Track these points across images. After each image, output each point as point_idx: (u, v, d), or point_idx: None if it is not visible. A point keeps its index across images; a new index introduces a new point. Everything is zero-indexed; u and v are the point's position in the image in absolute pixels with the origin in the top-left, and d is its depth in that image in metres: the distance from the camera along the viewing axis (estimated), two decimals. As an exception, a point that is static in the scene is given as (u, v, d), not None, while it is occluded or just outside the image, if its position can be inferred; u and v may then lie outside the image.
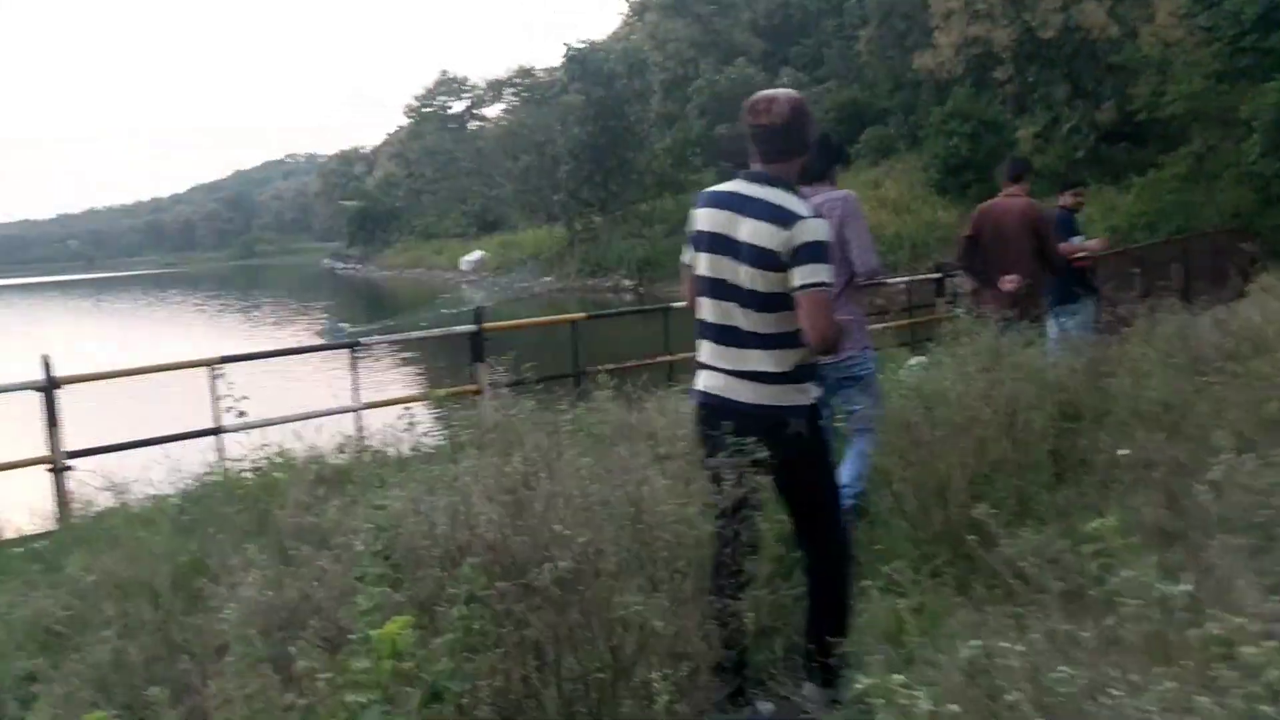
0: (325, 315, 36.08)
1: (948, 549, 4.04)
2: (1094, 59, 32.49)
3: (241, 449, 6.34)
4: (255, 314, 46.48)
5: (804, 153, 3.54)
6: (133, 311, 56.62)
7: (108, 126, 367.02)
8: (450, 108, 79.38)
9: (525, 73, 65.25)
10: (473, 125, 75.44)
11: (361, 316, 42.16)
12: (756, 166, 3.51)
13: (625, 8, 65.94)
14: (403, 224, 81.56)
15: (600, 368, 7.78)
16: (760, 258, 3.40)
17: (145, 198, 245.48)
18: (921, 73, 36.51)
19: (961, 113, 31.50)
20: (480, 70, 69.79)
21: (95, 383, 7.19)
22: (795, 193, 3.47)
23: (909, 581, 3.40)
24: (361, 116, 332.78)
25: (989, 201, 7.80)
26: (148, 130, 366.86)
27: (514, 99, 66.15)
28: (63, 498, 6.50)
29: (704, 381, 3.64)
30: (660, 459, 3.84)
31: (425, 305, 39.84)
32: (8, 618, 4.11)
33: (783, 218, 3.36)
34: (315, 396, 9.51)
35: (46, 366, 6.61)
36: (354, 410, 7.92)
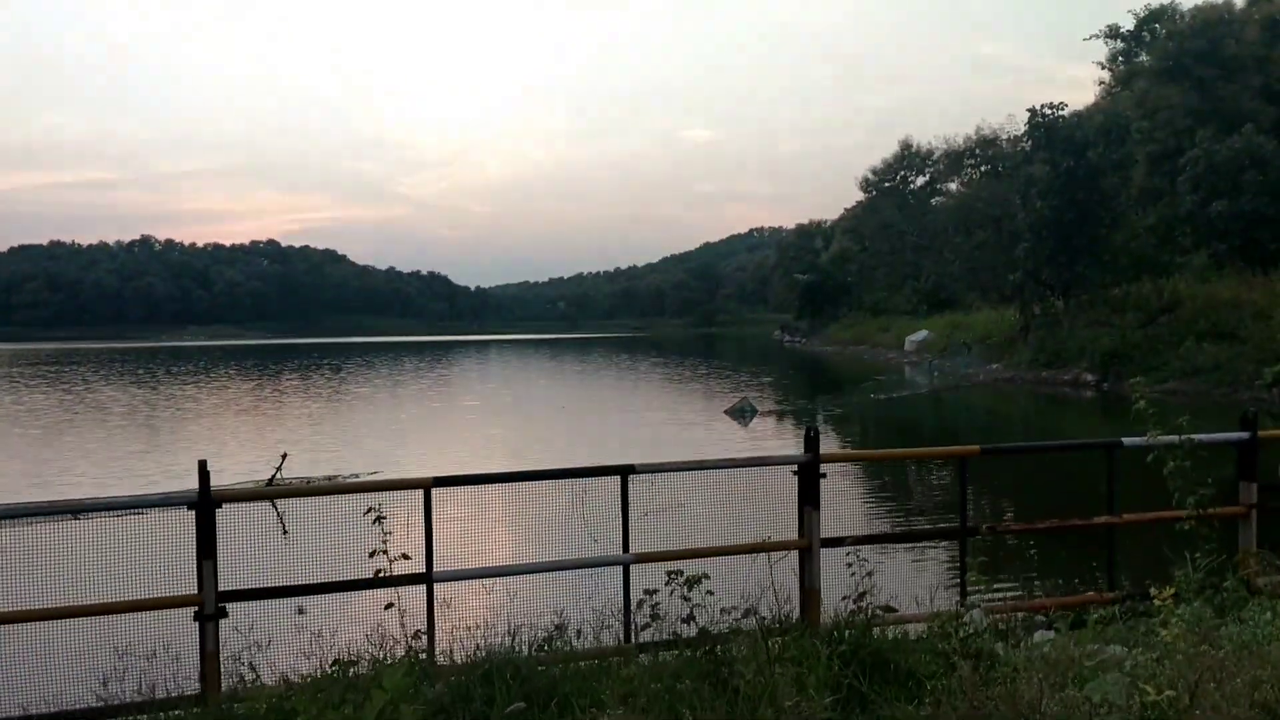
0: (750, 390, 35.19)
1: None
2: None
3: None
4: (692, 380, 47.16)
5: None
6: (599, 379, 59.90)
7: (594, 199, 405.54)
8: (912, 181, 77.31)
9: (988, 142, 61.48)
10: (935, 201, 72.91)
11: (796, 390, 41.35)
12: None
13: (1106, 77, 60.36)
14: (852, 299, 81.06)
15: None
16: None
17: (624, 265, 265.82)
18: None
19: None
20: (945, 143, 67.01)
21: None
22: None
23: None
24: (829, 189, 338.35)
25: None
26: (629, 203, 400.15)
27: (974, 171, 62.67)
28: (208, 658, 5.19)
29: None
30: None
31: (860, 385, 37.88)
32: None
33: None
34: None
35: (204, 477, 5.38)
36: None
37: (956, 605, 6.62)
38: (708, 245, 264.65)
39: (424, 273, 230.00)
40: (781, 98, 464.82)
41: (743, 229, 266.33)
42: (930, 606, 6.45)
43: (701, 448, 18.85)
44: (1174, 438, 5.58)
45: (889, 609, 5.51)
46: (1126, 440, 6.70)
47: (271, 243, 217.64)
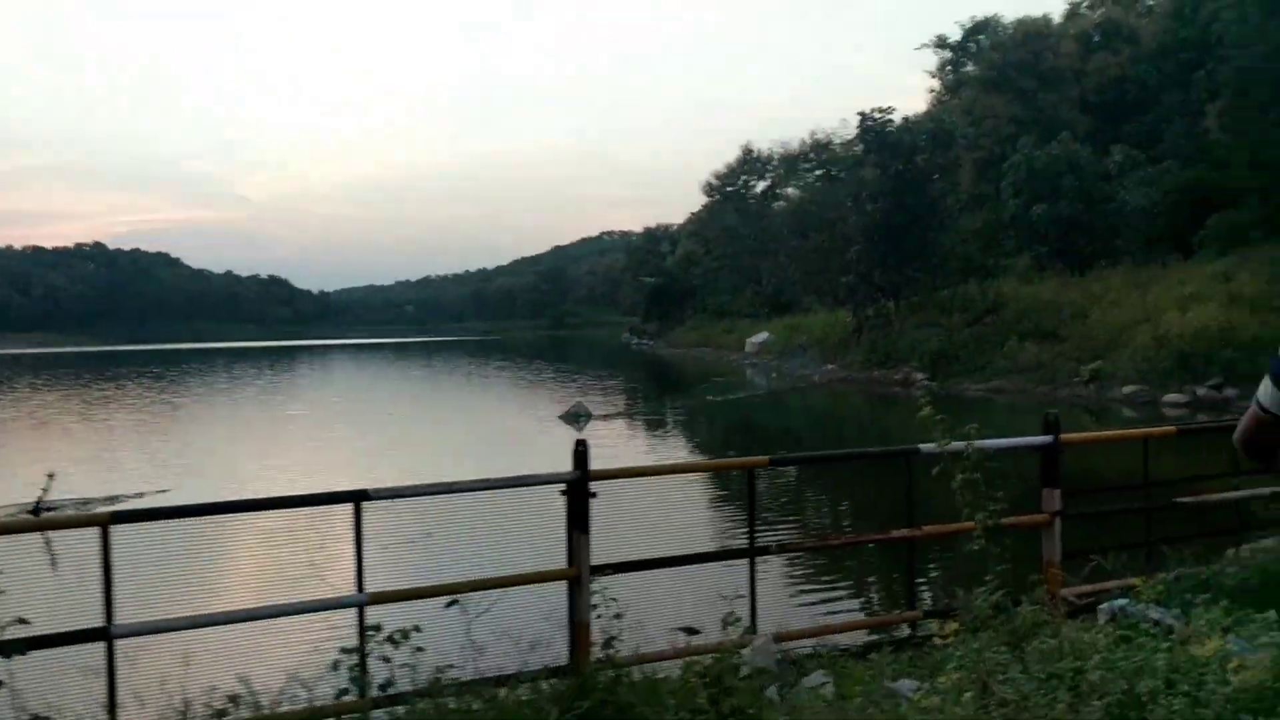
0: (585, 394, 34.55)
1: None
2: None
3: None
4: (534, 384, 46.30)
5: None
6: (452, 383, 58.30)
7: (444, 200, 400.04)
8: (754, 186, 78.20)
9: (822, 146, 62.57)
10: (778, 205, 74.00)
11: (638, 393, 40.99)
12: None
13: (937, 85, 62.29)
14: (698, 302, 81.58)
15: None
16: None
17: (474, 268, 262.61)
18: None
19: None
20: (782, 147, 68.22)
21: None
22: None
23: None
24: (678, 193, 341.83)
25: None
26: (479, 205, 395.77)
27: (810, 175, 63.73)
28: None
29: None
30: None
31: (697, 388, 37.71)
32: None
33: None
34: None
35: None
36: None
37: (747, 633, 6.03)
38: (558, 248, 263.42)
39: (264, 276, 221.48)
40: (632, 102, 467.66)
41: (593, 232, 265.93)
42: (725, 635, 5.85)
43: (525, 458, 18.02)
44: (962, 444, 5.08)
45: (668, 652, 4.85)
46: (923, 447, 6.23)
47: (98, 245, 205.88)
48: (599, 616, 5.49)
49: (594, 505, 5.69)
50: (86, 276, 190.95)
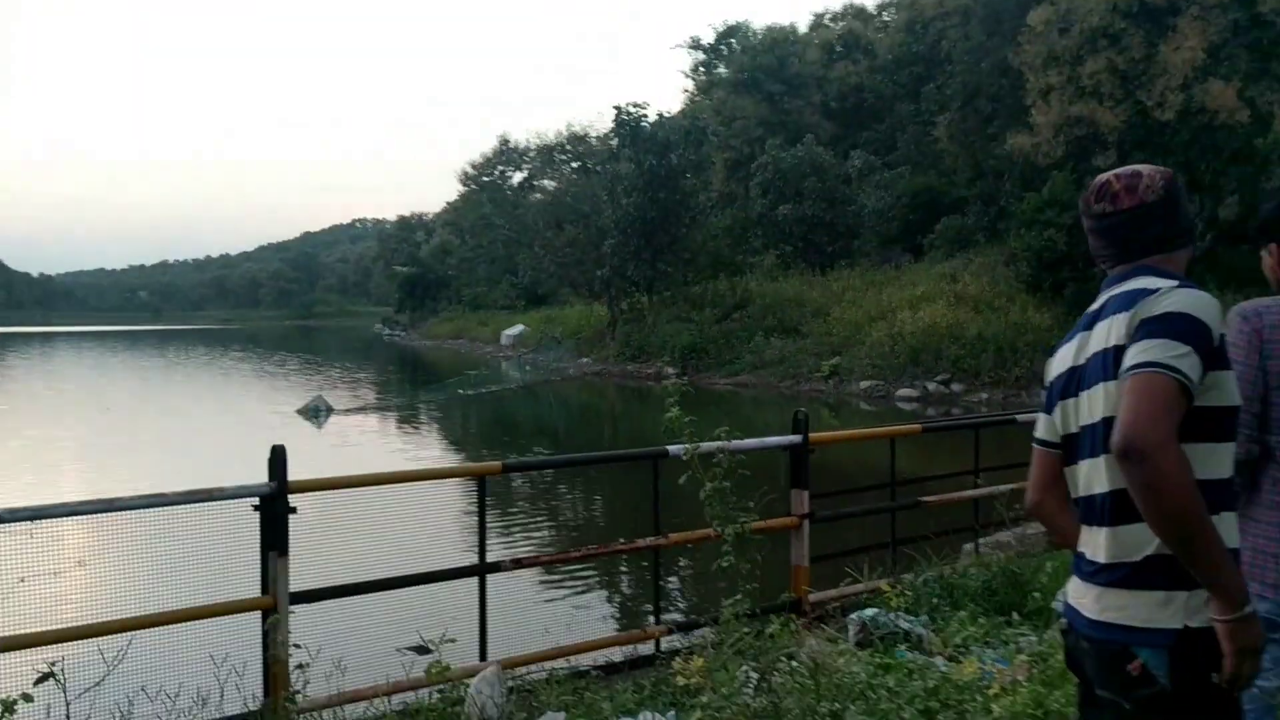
0: (322, 389, 32.79)
1: None
2: (1215, 147, 28.50)
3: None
4: (275, 376, 43.73)
5: (1188, 243, 2.52)
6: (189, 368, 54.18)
7: (183, 179, 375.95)
8: (510, 176, 77.32)
9: (578, 139, 62.58)
10: (535, 197, 73.59)
11: (387, 385, 39.45)
12: (1116, 270, 2.50)
13: (691, 85, 63.56)
14: (452, 293, 80.00)
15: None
16: (1103, 367, 2.30)
17: (216, 254, 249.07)
18: (1015, 154, 32.74)
19: (1059, 201, 27.53)
20: (538, 138, 67.83)
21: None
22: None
23: None
24: (434, 182, 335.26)
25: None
26: (222, 186, 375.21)
27: (566, 167, 63.67)
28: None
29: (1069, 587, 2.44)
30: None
31: (447, 381, 36.61)
32: None
33: (1134, 297, 2.32)
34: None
35: None
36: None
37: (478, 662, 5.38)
38: (308, 234, 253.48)
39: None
40: (387, 87, 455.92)
41: (345, 219, 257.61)
42: (456, 660, 5.17)
43: (251, 464, 16.57)
44: (714, 444, 4.61)
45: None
46: (672, 448, 5.77)
47: None
48: (297, 650, 4.71)
49: (296, 522, 4.87)
50: None
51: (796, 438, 6.65)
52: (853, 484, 9.28)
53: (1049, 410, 2.51)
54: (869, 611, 5.77)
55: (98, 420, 27.35)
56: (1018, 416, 8.43)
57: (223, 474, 5.36)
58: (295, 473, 4.86)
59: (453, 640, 4.42)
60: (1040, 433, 2.53)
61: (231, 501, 4.86)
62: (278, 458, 4.78)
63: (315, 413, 25.63)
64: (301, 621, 4.82)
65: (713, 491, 4.32)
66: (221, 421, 26.36)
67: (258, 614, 4.83)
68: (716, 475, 4.40)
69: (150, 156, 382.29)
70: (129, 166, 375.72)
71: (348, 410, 27.40)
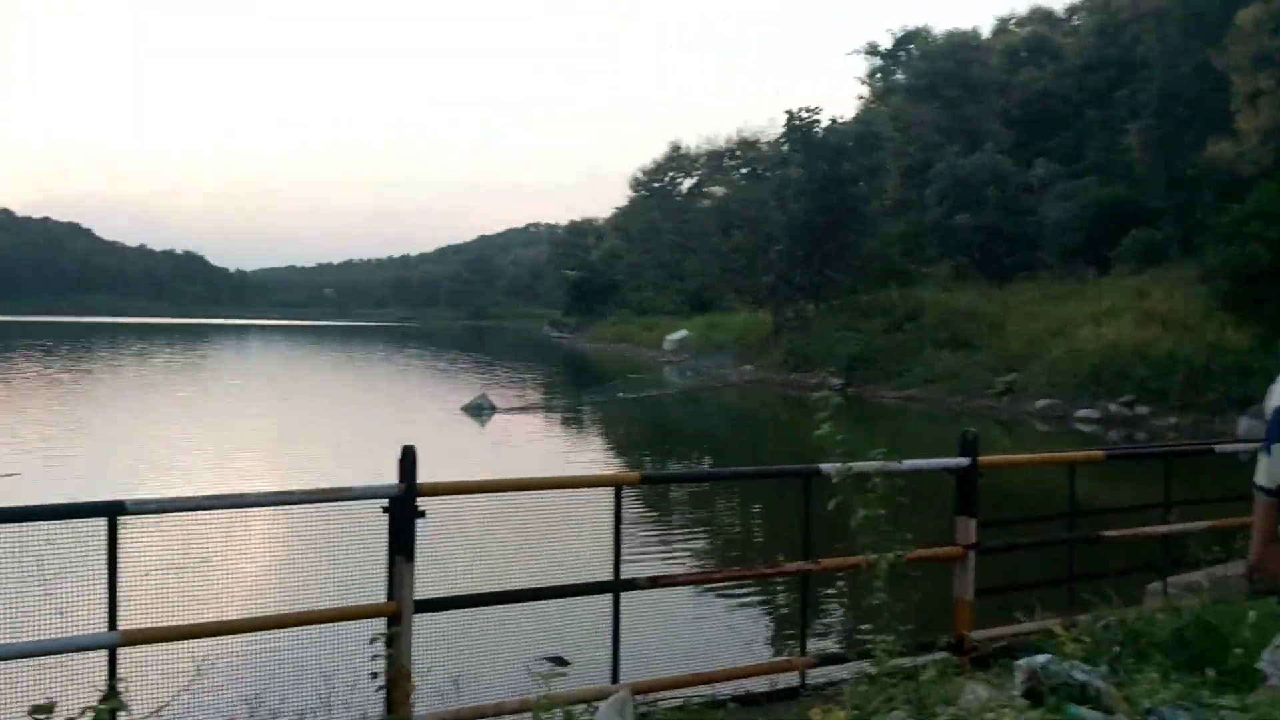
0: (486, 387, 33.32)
1: None
2: None
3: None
4: (446, 374, 44.95)
5: None
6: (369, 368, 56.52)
7: (370, 184, 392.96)
8: (680, 183, 77.44)
9: (748, 144, 62.07)
10: (704, 203, 73.62)
11: (551, 387, 39.94)
12: None
13: (866, 92, 62.20)
14: (619, 297, 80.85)
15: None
16: None
17: (397, 254, 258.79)
18: (1215, 163, 30.57)
19: (1265, 213, 25.46)
20: (708, 143, 67.86)
21: None
22: None
23: None
24: (606, 188, 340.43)
25: None
26: (406, 189, 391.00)
27: (735, 172, 63.28)
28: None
29: None
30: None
31: (609, 384, 36.77)
32: None
33: None
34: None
35: None
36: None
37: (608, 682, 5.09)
38: (484, 238, 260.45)
39: (179, 252, 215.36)
40: (562, 95, 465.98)
41: (520, 223, 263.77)
42: (583, 681, 4.93)
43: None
44: (871, 465, 4.18)
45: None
46: (824, 467, 5.35)
47: (6, 213, 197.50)
48: (423, 662, 4.51)
49: (424, 526, 4.69)
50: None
51: (964, 461, 6.11)
52: (1024, 512, 8.61)
53: (1268, 448, 2.03)
54: (1040, 658, 5.18)
55: (275, 410, 28.55)
56: (1216, 446, 7.62)
57: (382, 468, 5.22)
58: (451, 470, 4.69)
59: (565, 668, 4.13)
60: (1261, 479, 2.07)
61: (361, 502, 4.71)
62: (408, 459, 4.60)
63: (479, 410, 26.08)
64: (421, 629, 4.63)
65: (865, 520, 3.89)
66: (389, 416, 27.07)
67: (361, 621, 4.65)
68: (871, 501, 3.97)
69: (342, 163, 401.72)
70: (322, 170, 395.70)
71: (510, 409, 27.77)
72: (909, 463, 5.48)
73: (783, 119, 40.13)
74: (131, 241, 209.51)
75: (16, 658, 3.92)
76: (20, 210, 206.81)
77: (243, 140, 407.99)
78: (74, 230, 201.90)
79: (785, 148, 41.15)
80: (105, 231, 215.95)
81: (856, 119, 51.96)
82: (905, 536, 3.96)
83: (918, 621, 4.53)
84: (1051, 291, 35.52)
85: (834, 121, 40.35)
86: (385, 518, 4.68)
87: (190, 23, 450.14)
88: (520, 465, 16.90)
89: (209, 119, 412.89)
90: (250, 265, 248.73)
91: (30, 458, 17.85)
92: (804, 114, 39.05)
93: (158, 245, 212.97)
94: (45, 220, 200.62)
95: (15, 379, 36.86)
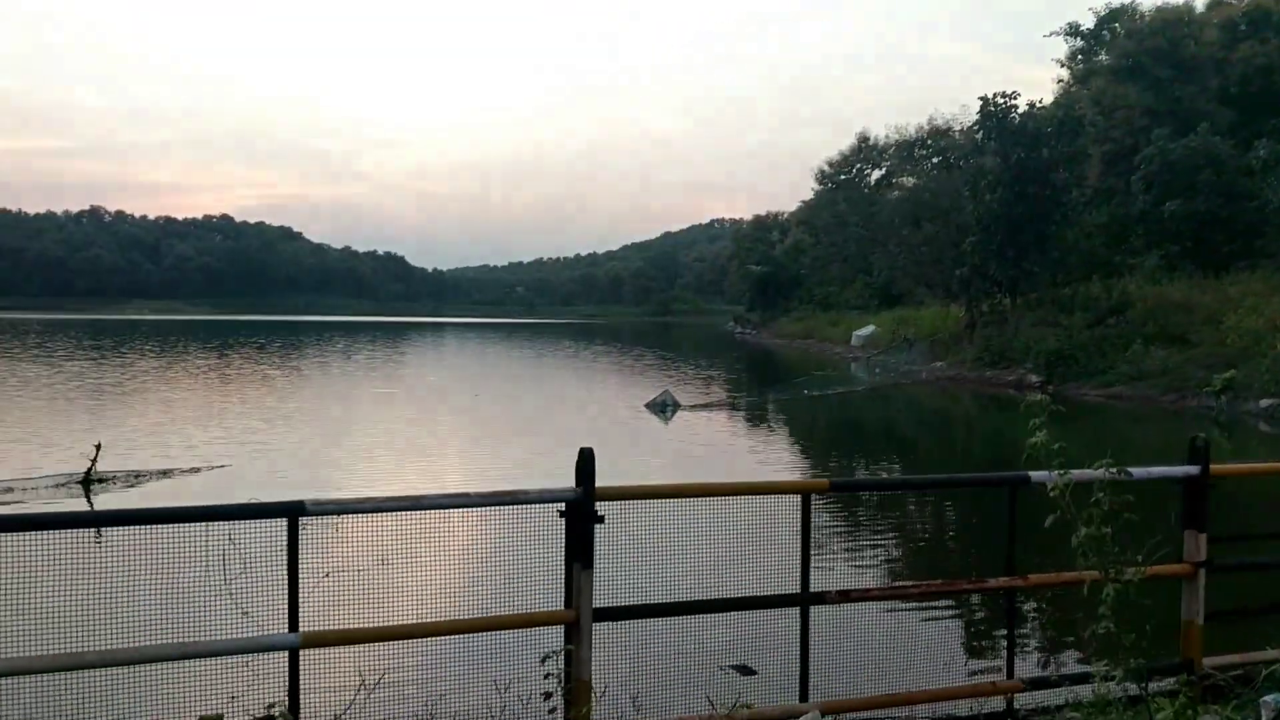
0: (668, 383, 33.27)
1: None
2: None
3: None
4: (631, 370, 45.33)
5: None
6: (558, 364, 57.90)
7: (561, 183, 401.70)
8: (868, 174, 75.67)
9: (940, 133, 59.84)
10: (893, 195, 71.72)
11: (735, 383, 39.65)
12: None
13: (1065, 75, 59.09)
14: (804, 292, 79.82)
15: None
16: None
17: (584, 252, 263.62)
18: None
19: None
20: (897, 133, 65.58)
21: None
22: None
23: None
24: (789, 182, 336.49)
25: None
26: (593, 188, 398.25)
27: (926, 163, 61.21)
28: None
29: None
30: None
31: (795, 380, 36.19)
32: None
33: None
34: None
35: None
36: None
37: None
38: (668, 234, 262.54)
39: (380, 253, 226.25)
40: (745, 91, 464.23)
41: (703, 219, 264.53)
42: (768, 697, 4.68)
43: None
44: (1098, 473, 3.75)
45: None
46: (1035, 475, 4.90)
47: (225, 217, 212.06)
48: (601, 671, 4.34)
49: (602, 531, 4.51)
50: (213, 247, 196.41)
51: (1194, 469, 5.51)
52: (1256, 526, 7.80)
53: None
54: (1289, 697, 4.60)
55: (466, 407, 29.34)
56: None
57: (568, 467, 5.09)
58: (630, 468, 4.51)
59: (750, 676, 3.86)
60: None
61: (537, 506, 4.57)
62: (585, 462, 4.43)
63: (663, 408, 26.05)
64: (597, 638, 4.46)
65: (1088, 538, 3.47)
66: (576, 413, 27.37)
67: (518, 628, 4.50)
68: (1094, 517, 3.54)
69: (529, 165, 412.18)
70: (514, 172, 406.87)
71: (694, 406, 27.63)
72: (1132, 471, 4.95)
73: (975, 106, 38.53)
74: (337, 244, 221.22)
75: (203, 656, 3.95)
76: (238, 214, 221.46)
77: (436, 143, 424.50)
78: (286, 233, 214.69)
79: (979, 135, 39.48)
80: (313, 234, 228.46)
81: (1055, 103, 49.45)
82: (1134, 558, 3.51)
83: (1136, 644, 4.05)
84: (1275, 282, 32.89)
85: (1031, 106, 38.45)
86: (562, 522, 4.53)
87: (383, 35, 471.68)
88: (703, 467, 16.69)
89: (402, 124, 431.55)
90: (446, 265, 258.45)
91: (243, 448, 18.89)
92: (1000, 99, 37.35)
93: (361, 246, 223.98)
94: (261, 224, 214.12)
95: (232, 374, 39.32)
